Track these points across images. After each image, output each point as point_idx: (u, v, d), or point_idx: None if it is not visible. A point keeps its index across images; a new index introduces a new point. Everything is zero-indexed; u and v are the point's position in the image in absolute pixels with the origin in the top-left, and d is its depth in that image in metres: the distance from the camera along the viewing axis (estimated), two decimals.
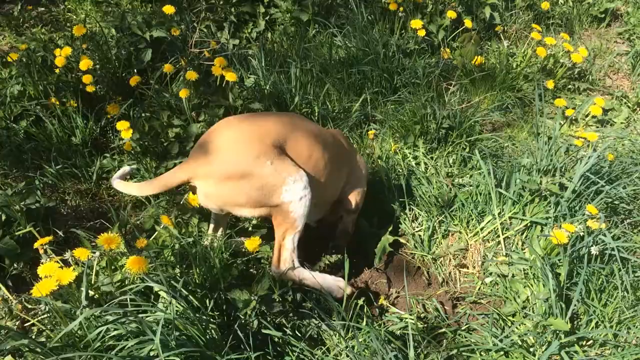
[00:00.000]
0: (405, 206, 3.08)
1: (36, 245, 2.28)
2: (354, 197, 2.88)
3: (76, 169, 3.26)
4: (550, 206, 2.85)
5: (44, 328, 2.26)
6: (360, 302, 2.46)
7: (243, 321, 2.33)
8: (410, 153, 3.47)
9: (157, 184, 2.37)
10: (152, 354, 1.92)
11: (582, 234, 2.57)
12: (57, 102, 3.31)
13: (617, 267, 2.56)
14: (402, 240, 2.98)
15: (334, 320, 2.36)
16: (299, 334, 2.41)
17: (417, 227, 3.07)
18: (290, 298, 2.44)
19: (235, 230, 2.71)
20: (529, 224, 2.90)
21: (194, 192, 2.48)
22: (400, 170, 3.35)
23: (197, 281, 2.38)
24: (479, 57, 4.14)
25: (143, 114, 3.38)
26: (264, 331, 2.32)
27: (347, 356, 2.28)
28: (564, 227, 2.54)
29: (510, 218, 2.96)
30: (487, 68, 4.17)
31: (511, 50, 4.47)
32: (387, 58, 4.05)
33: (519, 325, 2.50)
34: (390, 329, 2.59)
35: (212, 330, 2.17)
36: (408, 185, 3.17)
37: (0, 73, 3.64)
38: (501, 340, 2.39)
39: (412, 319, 2.63)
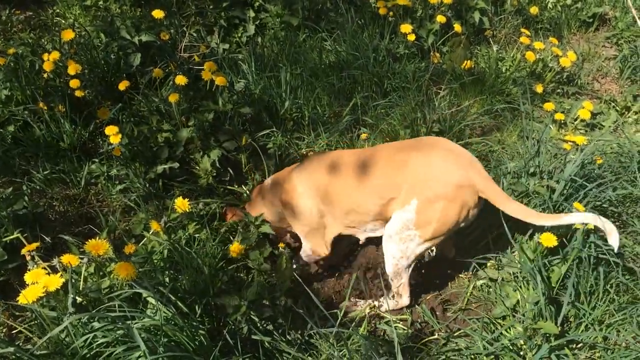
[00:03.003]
0: None
1: (23, 251, 2.26)
2: None
3: (64, 174, 3.23)
4: (539, 208, 2.86)
5: (31, 335, 2.23)
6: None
7: (233, 327, 2.31)
8: None
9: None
10: None
11: (571, 233, 2.58)
12: (45, 107, 3.28)
13: (606, 270, 2.57)
14: None
15: (325, 327, 2.36)
16: (290, 339, 2.40)
17: None
18: (281, 304, 2.43)
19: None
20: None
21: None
22: None
23: (186, 287, 2.37)
24: (469, 61, 4.16)
25: (132, 119, 3.36)
26: (254, 337, 2.31)
27: None
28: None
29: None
30: (477, 72, 4.18)
31: (500, 55, 4.49)
32: (377, 62, 4.06)
33: (509, 328, 2.50)
34: (381, 334, 2.59)
35: (201, 336, 2.15)
36: None
37: None
38: (491, 344, 2.39)
39: (401, 325, 2.63)
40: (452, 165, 2.43)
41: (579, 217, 2.38)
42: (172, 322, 2.10)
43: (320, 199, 2.68)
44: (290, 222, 2.84)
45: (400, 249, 2.48)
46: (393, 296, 2.66)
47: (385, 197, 2.51)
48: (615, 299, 2.54)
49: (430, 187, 2.40)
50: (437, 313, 2.72)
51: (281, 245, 2.67)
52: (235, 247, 2.54)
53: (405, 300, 2.65)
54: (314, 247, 2.81)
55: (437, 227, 2.43)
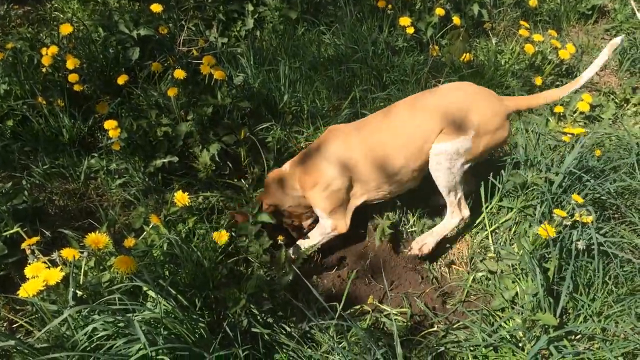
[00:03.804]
0: (396, 202, 3.08)
1: (23, 245, 2.26)
2: None
3: (64, 168, 3.23)
4: (537, 200, 2.86)
5: (31, 329, 2.24)
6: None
7: (232, 319, 2.32)
8: None
9: None
10: (140, 353, 1.91)
11: (569, 223, 2.59)
12: (44, 102, 3.28)
13: (604, 261, 2.58)
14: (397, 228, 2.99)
15: (325, 319, 2.37)
16: (289, 331, 2.41)
17: (409, 225, 3.08)
18: (280, 297, 2.44)
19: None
20: (517, 220, 2.92)
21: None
22: None
23: (186, 280, 2.38)
24: (468, 54, 4.15)
25: (131, 113, 3.35)
26: (253, 329, 2.32)
27: (338, 354, 2.28)
28: (555, 213, 2.56)
29: (498, 210, 2.98)
30: (476, 65, 4.18)
31: (499, 47, 4.49)
32: (375, 55, 4.05)
33: (508, 320, 2.51)
34: (380, 326, 2.60)
35: (201, 329, 2.16)
36: None
37: None
38: (490, 336, 2.40)
39: (401, 318, 2.64)
40: (495, 100, 2.75)
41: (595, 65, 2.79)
42: (172, 315, 2.11)
43: (352, 173, 2.75)
44: (315, 202, 2.83)
45: (452, 171, 2.73)
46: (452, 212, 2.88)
47: (430, 133, 2.69)
48: (613, 291, 2.55)
49: (486, 119, 2.67)
50: (436, 305, 2.73)
51: (280, 238, 2.67)
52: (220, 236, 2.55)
53: (466, 212, 2.90)
54: (336, 223, 2.83)
55: (482, 150, 2.74)
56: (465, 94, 2.75)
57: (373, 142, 2.72)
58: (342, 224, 2.84)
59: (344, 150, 2.73)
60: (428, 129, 2.68)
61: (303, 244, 2.87)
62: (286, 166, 2.90)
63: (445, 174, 2.73)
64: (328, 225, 2.84)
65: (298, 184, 2.82)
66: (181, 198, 2.68)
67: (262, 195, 2.92)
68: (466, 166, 2.75)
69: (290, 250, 2.85)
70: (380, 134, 2.72)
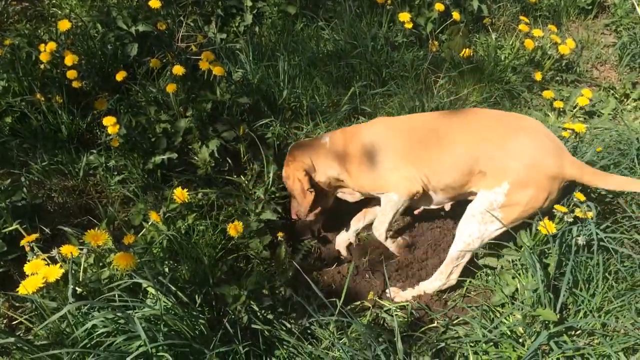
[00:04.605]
0: None
1: (23, 242, 2.26)
2: None
3: (63, 165, 3.22)
4: None
5: (31, 326, 2.24)
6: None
7: (233, 316, 2.32)
8: None
9: None
10: (140, 350, 1.91)
11: (570, 220, 2.58)
12: (43, 98, 3.26)
13: (604, 257, 2.57)
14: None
15: (325, 315, 2.37)
16: (289, 328, 2.41)
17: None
18: (280, 293, 2.44)
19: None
20: None
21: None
22: None
23: (186, 277, 2.37)
24: (467, 49, 4.14)
25: (130, 109, 3.34)
26: (254, 326, 2.32)
27: (338, 350, 2.28)
28: (556, 208, 2.55)
29: None
30: (475, 60, 4.17)
31: (499, 43, 4.48)
32: (375, 51, 4.04)
33: (508, 316, 2.51)
34: (381, 322, 2.60)
35: (201, 325, 2.16)
36: None
37: None
38: (490, 332, 2.40)
39: (401, 313, 2.64)
40: (548, 154, 2.48)
41: None
42: (172, 312, 2.11)
43: (400, 157, 2.70)
44: (365, 181, 2.79)
45: (480, 229, 2.55)
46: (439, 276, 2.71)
47: (474, 169, 2.56)
48: (613, 286, 2.54)
49: (525, 173, 2.45)
50: (436, 301, 2.72)
51: (280, 234, 2.67)
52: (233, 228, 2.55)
53: (453, 277, 2.70)
54: (406, 188, 2.70)
55: (521, 211, 2.51)
56: (519, 137, 2.53)
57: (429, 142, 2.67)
58: (413, 185, 2.69)
59: (399, 135, 2.71)
60: (476, 160, 2.56)
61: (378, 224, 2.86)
62: (326, 139, 2.89)
63: (471, 230, 2.56)
64: (397, 197, 2.73)
65: (345, 173, 2.83)
66: (180, 194, 2.67)
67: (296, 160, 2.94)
68: (497, 232, 2.57)
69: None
70: (436, 140, 2.66)
